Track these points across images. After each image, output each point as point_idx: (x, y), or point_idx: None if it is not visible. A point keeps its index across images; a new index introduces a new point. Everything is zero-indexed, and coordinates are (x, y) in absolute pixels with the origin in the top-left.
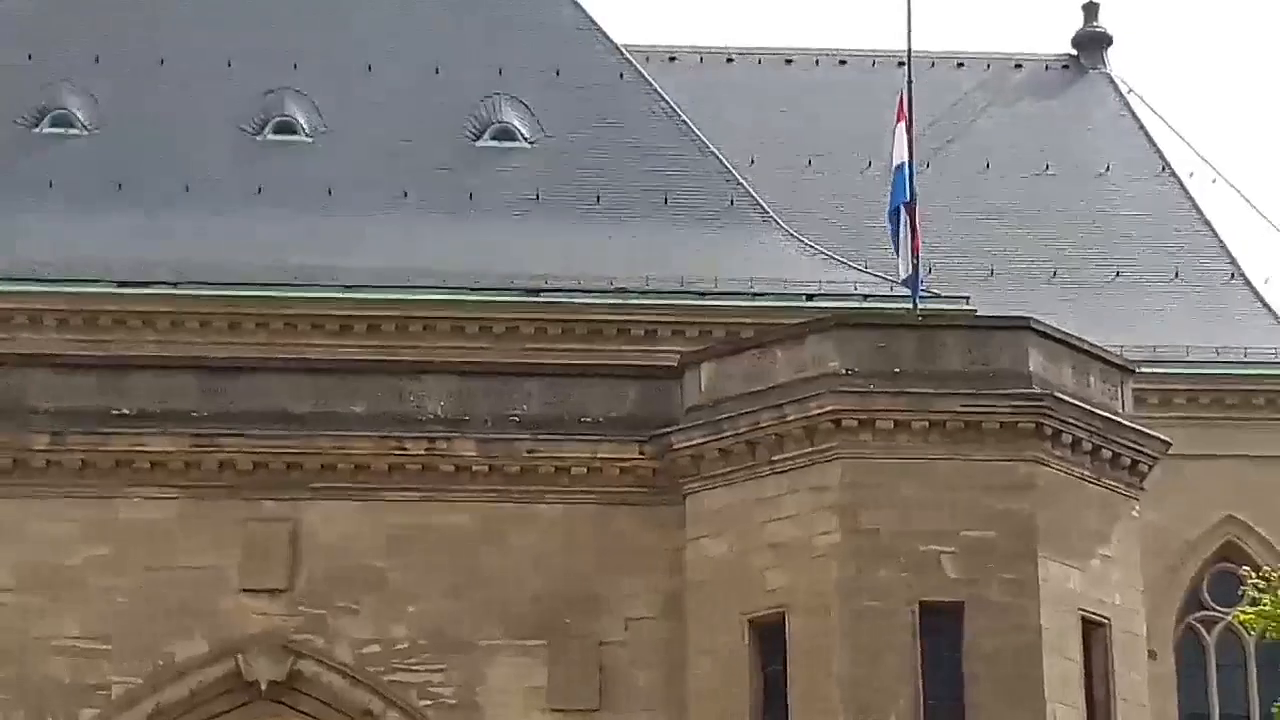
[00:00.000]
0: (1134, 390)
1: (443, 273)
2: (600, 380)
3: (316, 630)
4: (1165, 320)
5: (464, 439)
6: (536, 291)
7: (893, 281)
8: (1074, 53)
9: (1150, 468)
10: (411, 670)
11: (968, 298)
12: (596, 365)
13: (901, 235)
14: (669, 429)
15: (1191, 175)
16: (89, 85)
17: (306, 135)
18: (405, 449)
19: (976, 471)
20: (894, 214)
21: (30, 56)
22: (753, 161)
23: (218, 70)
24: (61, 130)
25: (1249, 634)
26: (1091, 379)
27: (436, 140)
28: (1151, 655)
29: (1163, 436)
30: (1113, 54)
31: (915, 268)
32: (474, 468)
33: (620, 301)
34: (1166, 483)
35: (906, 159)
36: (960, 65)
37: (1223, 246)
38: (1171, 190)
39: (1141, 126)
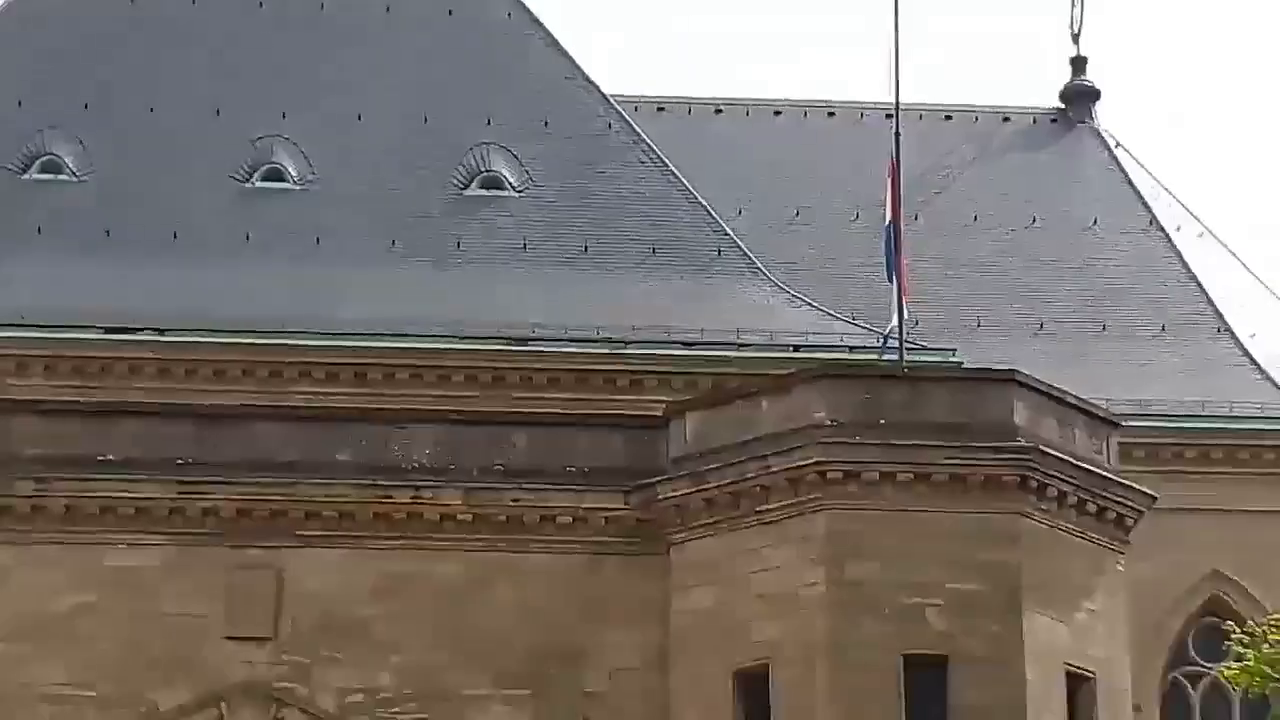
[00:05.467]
0: (1120, 444)
1: (429, 321)
2: (586, 430)
3: (300, 679)
4: (1151, 374)
5: (450, 488)
6: (523, 340)
7: (879, 333)
8: (1062, 106)
9: (1135, 521)
10: (395, 719)
11: (954, 350)
12: (583, 415)
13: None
14: (654, 479)
15: (1179, 229)
16: (78, 132)
17: (295, 183)
18: (391, 498)
19: (961, 524)
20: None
21: (20, 103)
22: (740, 212)
23: (207, 118)
24: (50, 176)
25: (1234, 690)
26: (1077, 432)
27: (424, 189)
28: (1137, 709)
29: (1148, 490)
30: (1100, 108)
31: (901, 319)
32: (459, 517)
33: (607, 351)
34: (1152, 537)
35: (891, 215)
36: (948, 118)
37: (1209, 301)
38: (1158, 244)
39: (1129, 180)
